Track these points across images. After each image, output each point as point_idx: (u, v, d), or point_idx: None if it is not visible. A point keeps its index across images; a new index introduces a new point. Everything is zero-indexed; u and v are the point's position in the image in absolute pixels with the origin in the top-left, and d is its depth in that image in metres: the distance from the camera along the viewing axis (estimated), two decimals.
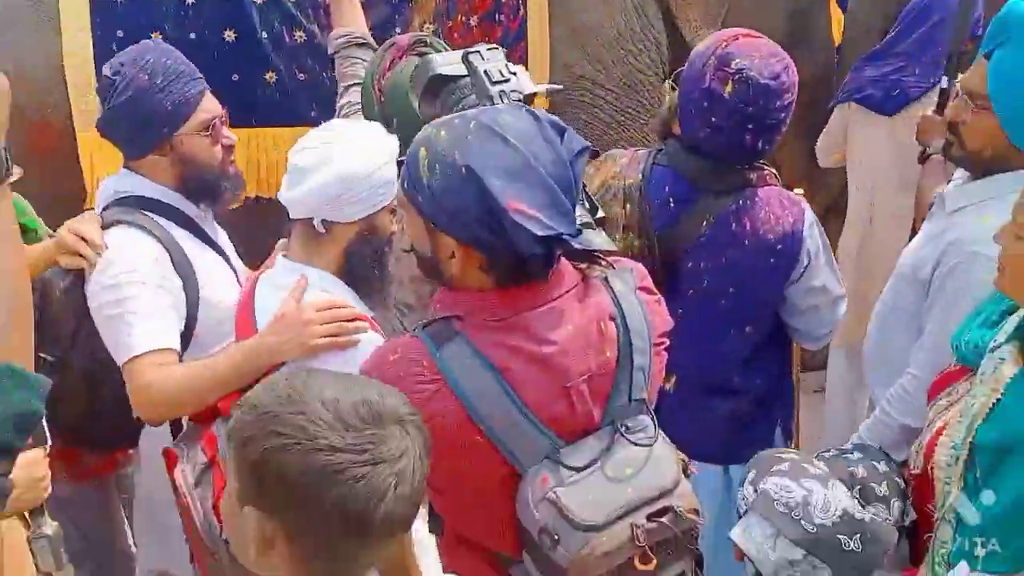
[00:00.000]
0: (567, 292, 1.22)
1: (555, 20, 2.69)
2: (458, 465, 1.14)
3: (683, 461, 1.27)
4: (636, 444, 1.20)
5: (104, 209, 1.80)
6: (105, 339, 1.68)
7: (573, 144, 1.20)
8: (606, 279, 1.28)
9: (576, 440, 1.20)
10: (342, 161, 1.51)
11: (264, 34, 2.55)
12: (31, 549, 1.39)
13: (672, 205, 1.85)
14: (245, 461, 0.84)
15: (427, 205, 1.16)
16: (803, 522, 1.35)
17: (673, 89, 1.93)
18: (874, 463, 1.48)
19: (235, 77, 2.54)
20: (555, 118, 1.23)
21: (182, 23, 2.52)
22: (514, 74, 1.47)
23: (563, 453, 1.18)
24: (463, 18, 2.65)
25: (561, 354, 1.18)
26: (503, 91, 1.45)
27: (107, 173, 2.45)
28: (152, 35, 2.43)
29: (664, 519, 1.17)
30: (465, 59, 1.52)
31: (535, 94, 1.49)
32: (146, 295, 1.65)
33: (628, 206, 1.85)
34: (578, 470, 1.16)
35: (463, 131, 1.16)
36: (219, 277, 1.83)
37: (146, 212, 1.76)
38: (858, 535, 1.35)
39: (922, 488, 1.46)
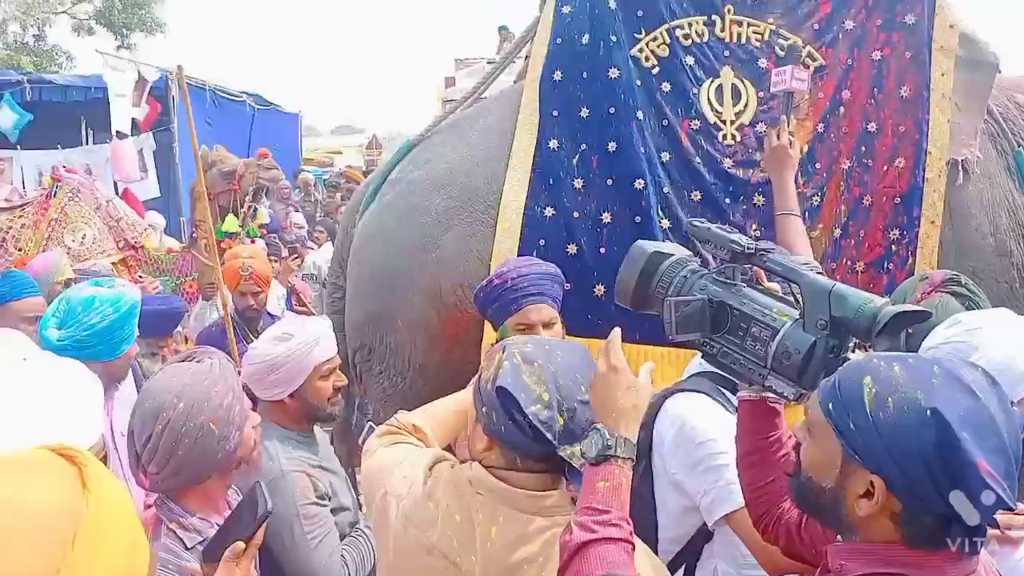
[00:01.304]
0: (974, 569, 1.13)
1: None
2: None
3: None
4: None
5: (687, 378, 2.01)
6: (701, 486, 1.79)
7: (1022, 419, 1.13)
8: None
9: None
10: None
11: None
12: None
13: None
14: None
15: (862, 436, 1.10)
16: None
17: None
18: None
19: None
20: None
21: (595, 240, 2.75)
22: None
23: None
24: (848, 262, 2.66)
25: None
26: (735, 240, 1.50)
27: None
28: (568, 247, 2.73)
29: None
30: (691, 224, 1.61)
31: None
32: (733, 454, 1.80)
33: None
34: None
35: (926, 373, 1.11)
36: None
37: (720, 387, 1.93)
38: None
39: None
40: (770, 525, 1.56)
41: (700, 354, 1.92)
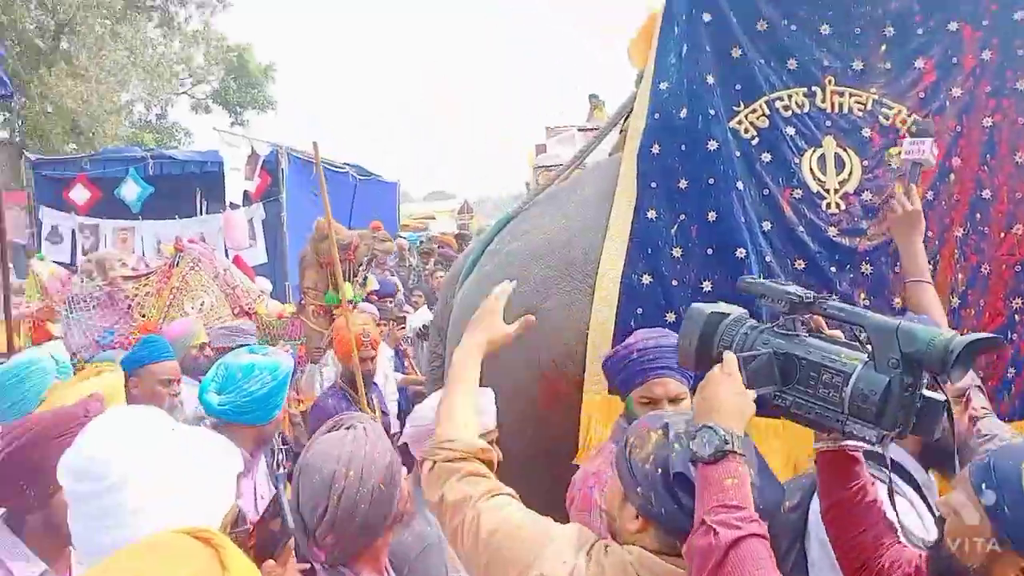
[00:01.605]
0: None
1: None
2: None
3: None
4: None
5: None
6: None
7: None
8: None
9: None
10: None
11: None
12: None
13: None
14: None
15: (1017, 522, 1.12)
16: None
17: None
18: None
19: None
20: None
21: None
22: None
23: None
24: (969, 332, 2.58)
25: None
26: (791, 291, 1.54)
27: (601, 434, 2.65)
28: (667, 315, 2.71)
29: None
30: (743, 281, 1.68)
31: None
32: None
33: None
34: None
35: None
36: None
37: (879, 466, 1.83)
38: None
39: None
40: None
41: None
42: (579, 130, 13.37)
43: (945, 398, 1.41)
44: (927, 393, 1.40)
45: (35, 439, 1.75)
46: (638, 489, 1.39)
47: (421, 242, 12.86)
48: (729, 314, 1.63)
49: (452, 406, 1.74)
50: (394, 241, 11.86)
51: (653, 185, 2.84)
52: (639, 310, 2.75)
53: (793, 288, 1.56)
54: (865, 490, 1.55)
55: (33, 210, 10.90)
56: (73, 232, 10.50)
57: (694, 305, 1.68)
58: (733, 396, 1.39)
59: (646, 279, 2.78)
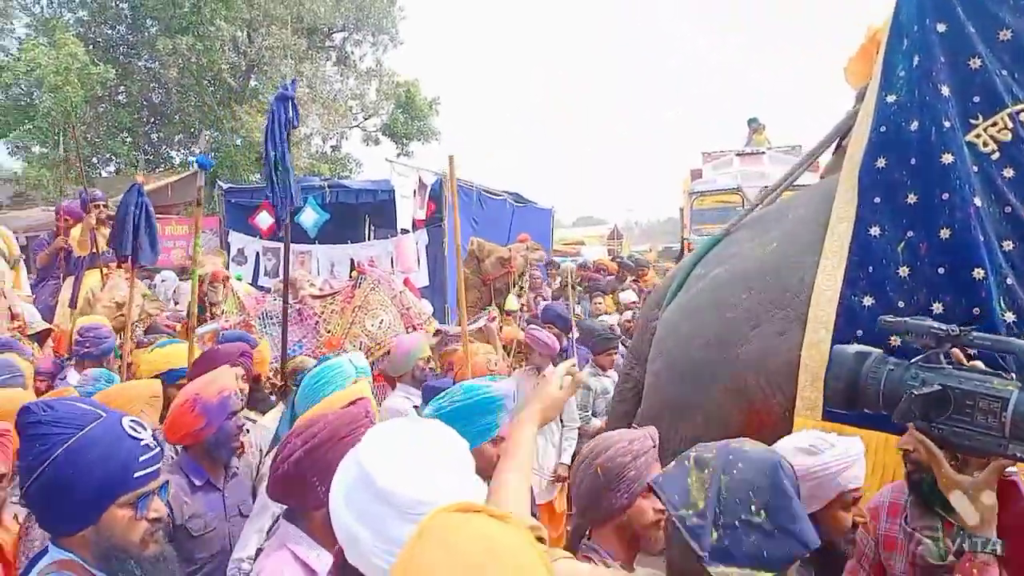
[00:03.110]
0: None
1: None
2: None
3: None
4: None
5: None
6: None
7: None
8: None
9: None
10: None
11: None
12: None
13: None
14: None
15: None
16: None
17: None
18: None
19: None
20: None
21: None
22: None
23: None
24: None
25: None
26: (935, 327, 1.63)
27: None
28: (890, 340, 2.34)
29: None
30: (884, 321, 1.81)
31: None
32: None
33: None
34: None
35: None
36: None
37: None
38: None
39: None
40: None
41: None
42: (737, 155, 12.89)
43: None
44: None
45: (326, 439, 1.86)
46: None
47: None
48: (871, 353, 1.73)
49: (507, 484, 1.64)
50: (548, 265, 11.89)
51: (877, 200, 2.60)
52: (859, 332, 2.50)
53: (936, 324, 1.64)
54: None
55: (223, 233, 11.74)
56: (257, 254, 11.20)
57: (837, 347, 1.81)
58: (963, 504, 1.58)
59: (867, 300, 2.53)
